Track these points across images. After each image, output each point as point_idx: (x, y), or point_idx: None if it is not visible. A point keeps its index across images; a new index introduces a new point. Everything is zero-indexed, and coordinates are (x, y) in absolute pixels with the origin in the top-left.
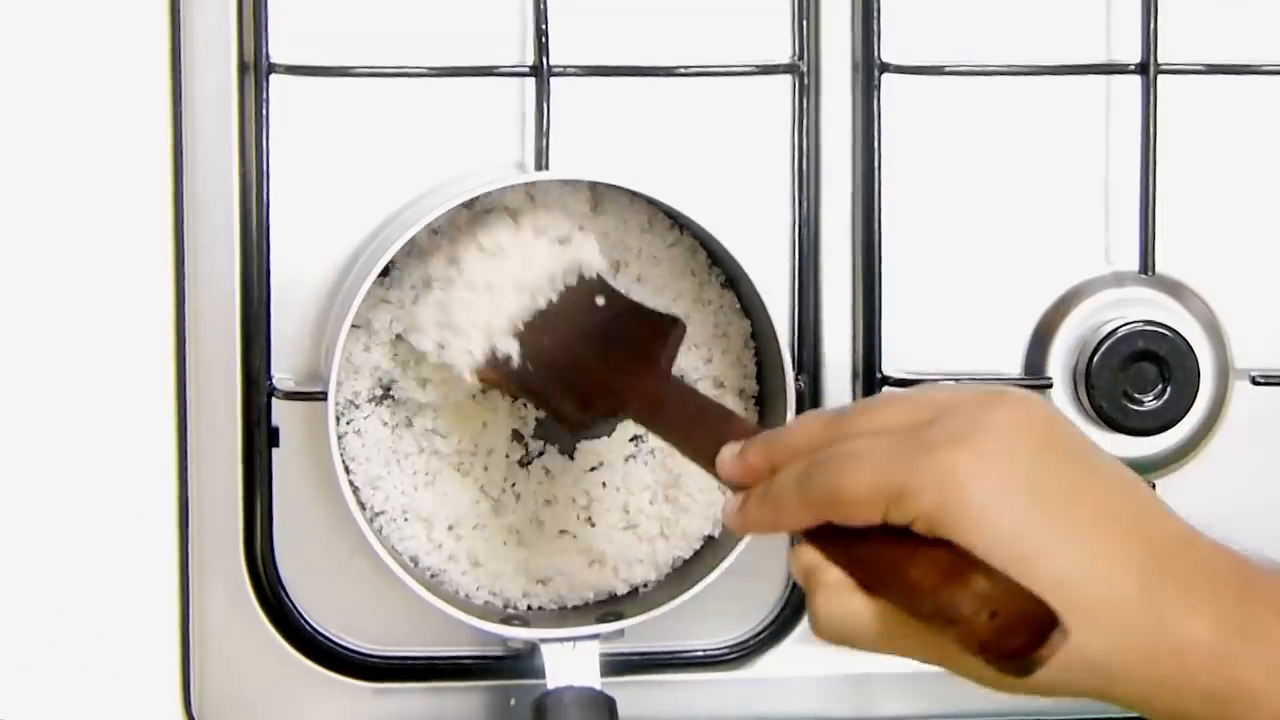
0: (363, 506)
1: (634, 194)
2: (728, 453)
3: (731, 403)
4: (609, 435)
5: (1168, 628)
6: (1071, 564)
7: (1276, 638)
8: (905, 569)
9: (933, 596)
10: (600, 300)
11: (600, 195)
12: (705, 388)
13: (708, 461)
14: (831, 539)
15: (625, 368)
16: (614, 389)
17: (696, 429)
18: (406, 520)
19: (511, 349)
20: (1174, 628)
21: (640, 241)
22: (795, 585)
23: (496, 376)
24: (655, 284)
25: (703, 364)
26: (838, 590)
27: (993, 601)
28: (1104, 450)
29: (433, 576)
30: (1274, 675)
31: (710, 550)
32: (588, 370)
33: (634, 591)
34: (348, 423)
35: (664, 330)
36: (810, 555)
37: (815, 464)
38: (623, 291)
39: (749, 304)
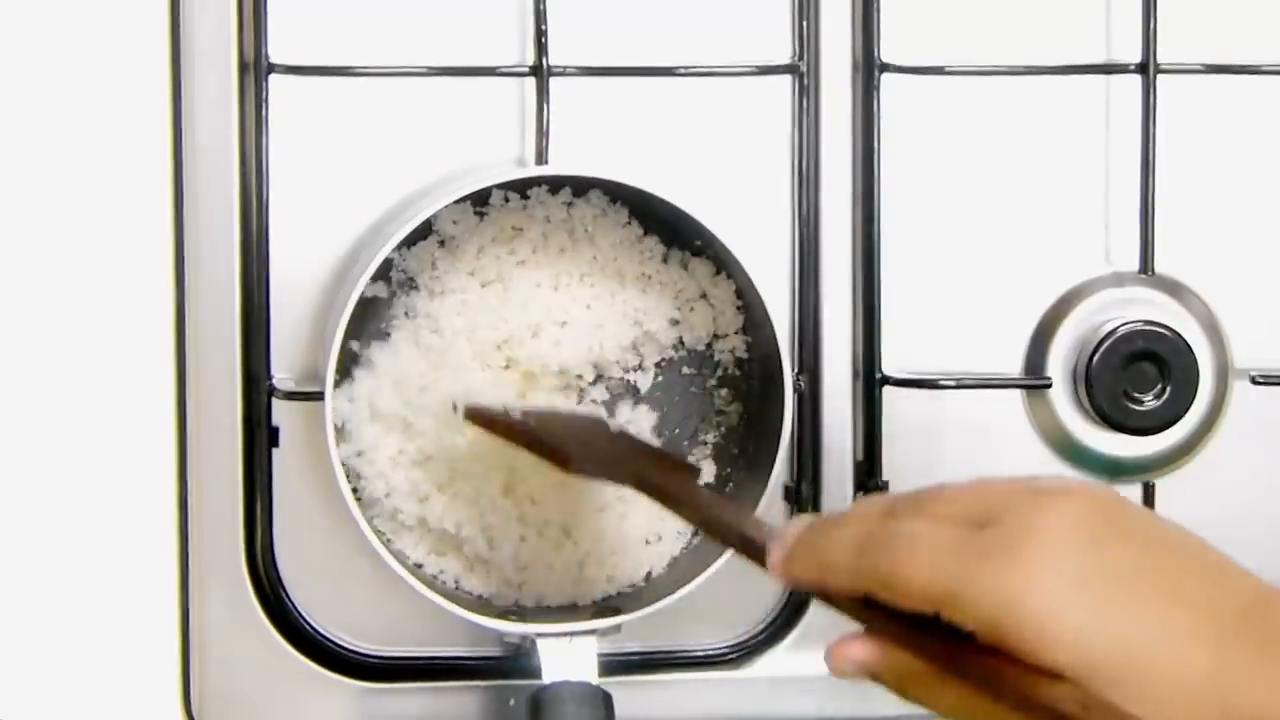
0: (363, 506)
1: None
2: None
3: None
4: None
5: (1243, 701)
6: (1141, 653)
7: None
8: (980, 658)
9: (1019, 684)
10: (614, 438)
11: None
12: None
13: (740, 540)
14: (878, 614)
15: (643, 451)
16: (625, 461)
17: (726, 508)
18: (406, 520)
19: (513, 411)
20: (1249, 700)
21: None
22: None
23: (487, 418)
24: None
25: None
26: (925, 680)
27: (1084, 699)
28: (1166, 523)
29: (431, 575)
30: None
31: (708, 547)
32: (593, 442)
33: (631, 588)
34: (345, 421)
35: (681, 470)
36: (869, 650)
37: (874, 536)
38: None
39: (748, 302)
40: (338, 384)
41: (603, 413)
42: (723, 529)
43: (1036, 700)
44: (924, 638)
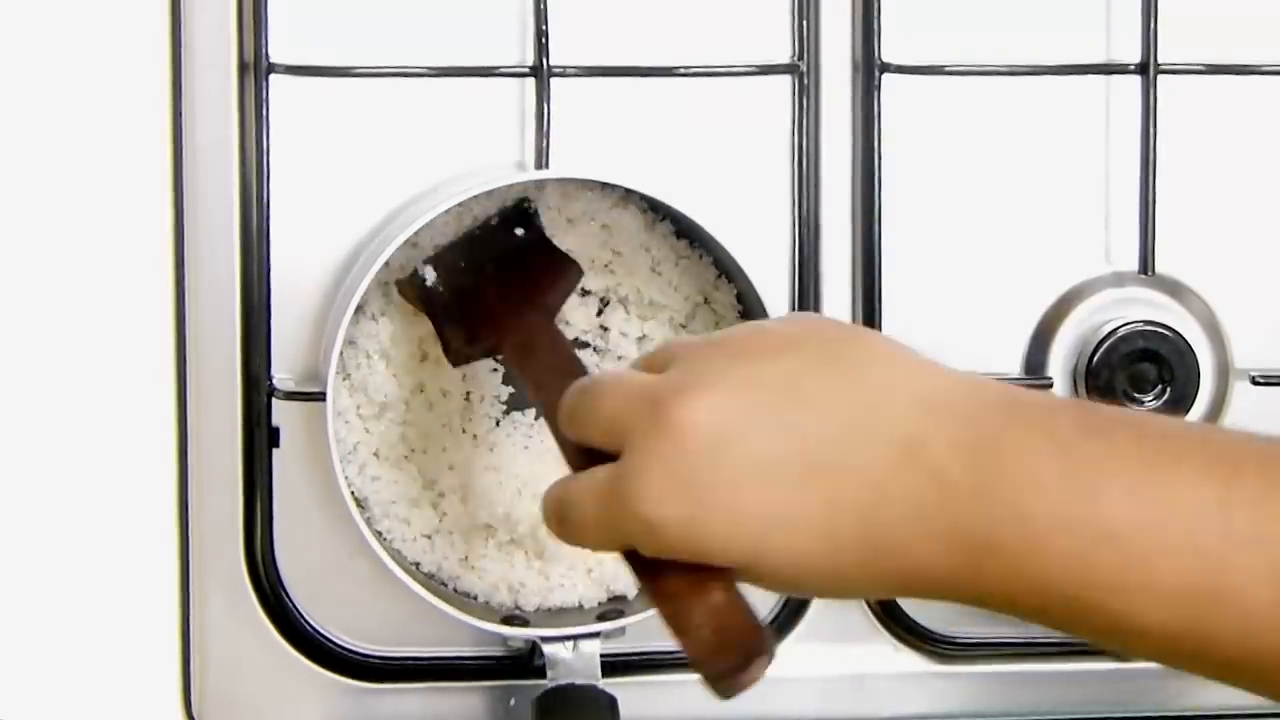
0: (362, 506)
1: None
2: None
3: None
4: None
5: (904, 564)
6: (791, 544)
7: (1011, 547)
8: (664, 572)
9: (673, 602)
10: (519, 231)
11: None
12: None
13: (552, 413)
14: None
15: (515, 303)
16: (497, 325)
17: (554, 379)
18: (407, 520)
19: (428, 271)
20: (909, 562)
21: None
22: None
23: (412, 292)
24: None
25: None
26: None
27: (719, 618)
28: (822, 346)
29: (432, 577)
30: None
31: None
32: (482, 301)
33: (636, 589)
34: (345, 422)
35: (562, 270)
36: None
37: (560, 510)
38: (543, 226)
39: (748, 303)
40: (337, 383)
41: None
42: (543, 402)
43: (685, 618)
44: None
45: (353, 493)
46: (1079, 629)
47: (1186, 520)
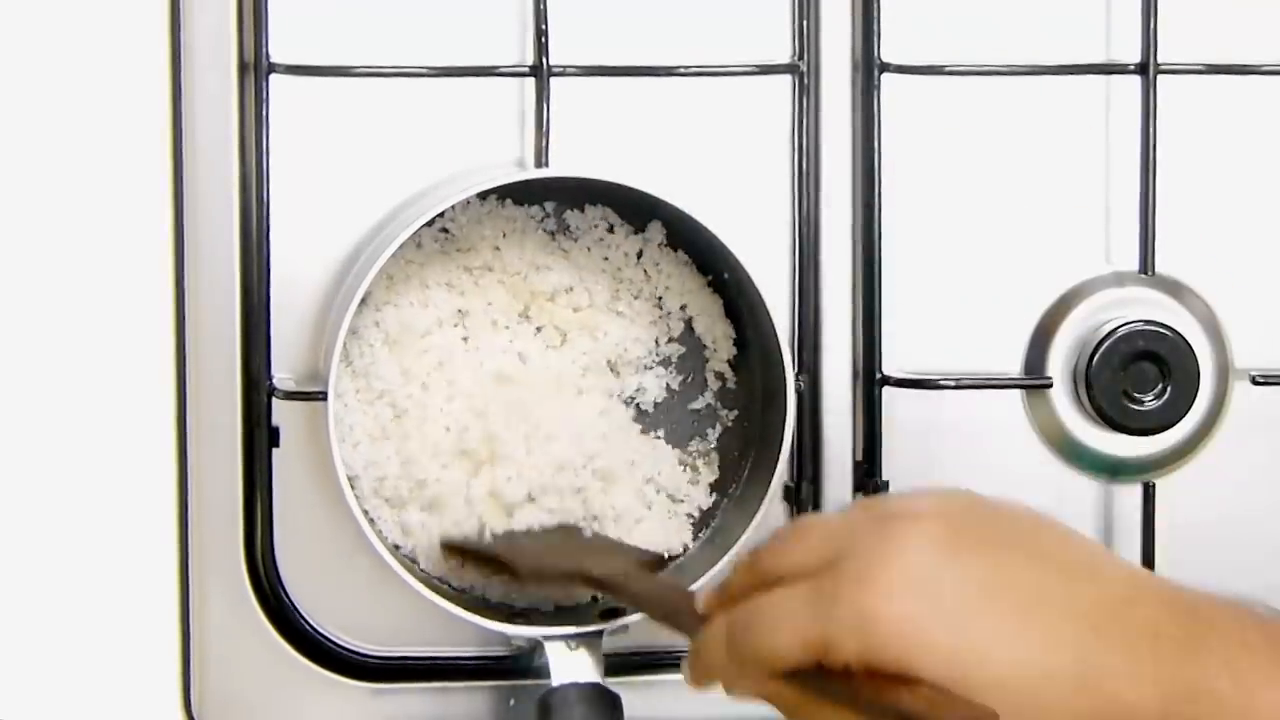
0: (363, 506)
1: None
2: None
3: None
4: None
5: (1113, 704)
6: (1005, 663)
7: (1223, 694)
8: (850, 682)
9: (880, 696)
10: (582, 543)
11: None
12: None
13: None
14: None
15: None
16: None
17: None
18: (409, 521)
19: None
20: (1119, 702)
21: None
22: None
23: (459, 550)
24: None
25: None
26: (807, 707)
27: (939, 705)
28: (1025, 525)
29: (434, 575)
30: None
31: (713, 547)
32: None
33: None
34: (345, 405)
35: (639, 563)
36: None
37: (736, 627)
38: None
39: (750, 304)
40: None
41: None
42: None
43: (902, 704)
44: (807, 677)
45: (354, 491)
46: None
47: None
